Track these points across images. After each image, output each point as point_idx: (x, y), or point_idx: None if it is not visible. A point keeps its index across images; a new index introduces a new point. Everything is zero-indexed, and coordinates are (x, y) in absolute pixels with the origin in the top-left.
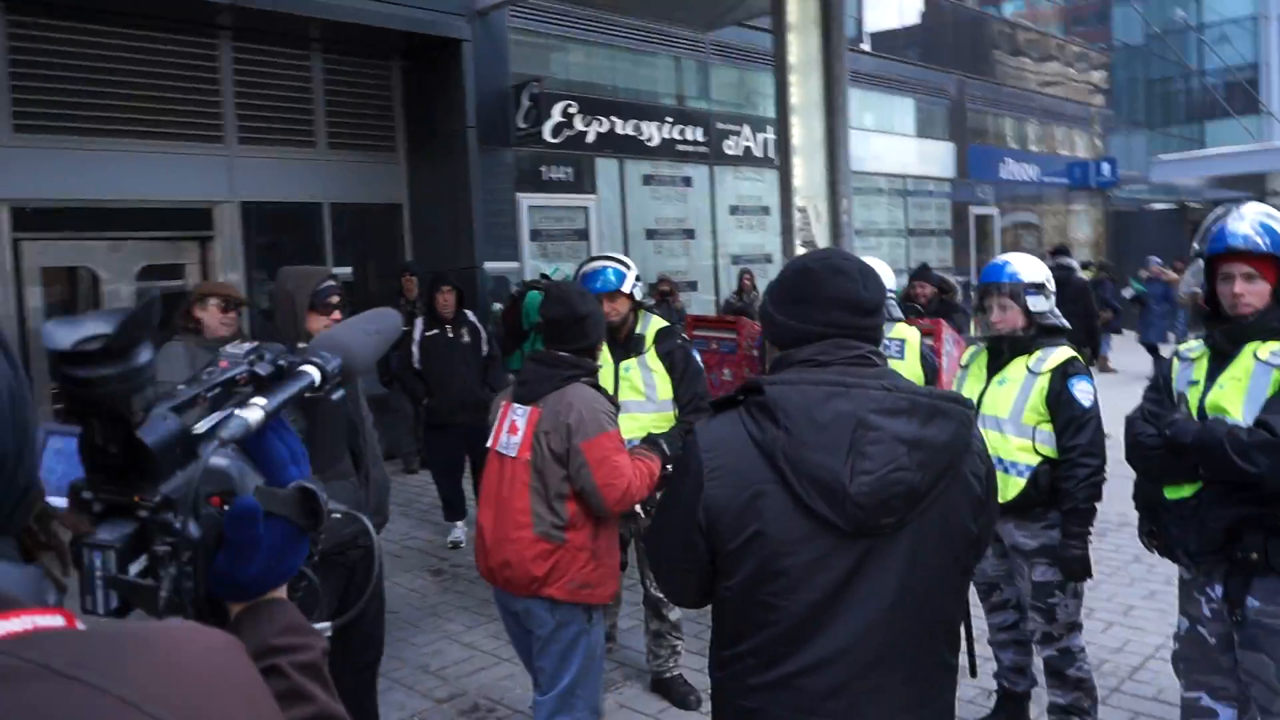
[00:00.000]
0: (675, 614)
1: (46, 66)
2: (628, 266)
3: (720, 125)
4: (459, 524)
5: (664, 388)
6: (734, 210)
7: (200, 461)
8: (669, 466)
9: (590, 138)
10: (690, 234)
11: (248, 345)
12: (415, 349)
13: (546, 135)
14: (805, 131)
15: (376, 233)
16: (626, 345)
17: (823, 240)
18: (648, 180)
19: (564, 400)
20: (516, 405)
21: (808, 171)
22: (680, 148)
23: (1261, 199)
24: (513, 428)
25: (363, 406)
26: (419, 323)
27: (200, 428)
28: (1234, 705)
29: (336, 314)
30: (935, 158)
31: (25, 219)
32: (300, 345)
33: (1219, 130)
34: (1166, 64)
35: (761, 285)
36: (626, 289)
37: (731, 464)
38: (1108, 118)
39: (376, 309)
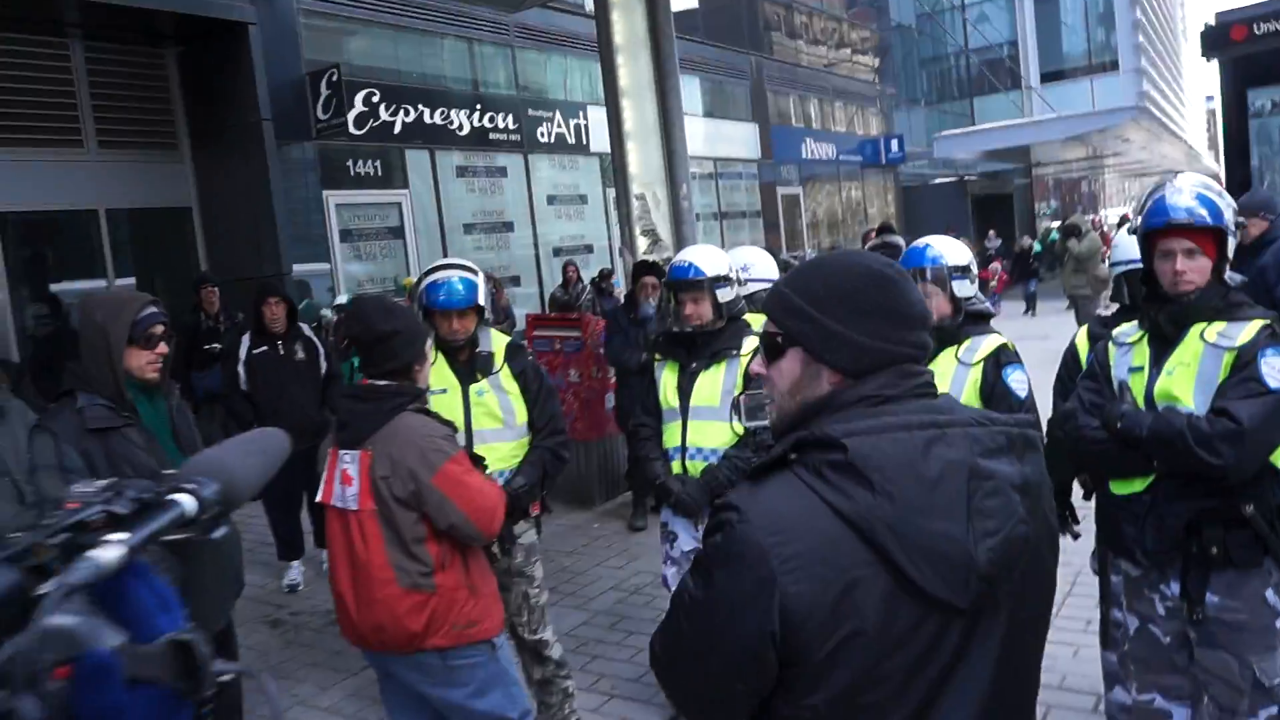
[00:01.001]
0: (557, 651)
1: None
2: (476, 274)
3: (531, 112)
4: (295, 564)
5: (521, 411)
6: (551, 200)
7: (38, 623)
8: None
9: (397, 128)
10: (509, 226)
11: (101, 481)
12: (241, 368)
13: (350, 127)
14: (637, 115)
15: (163, 240)
16: (470, 366)
17: (664, 227)
18: (461, 172)
19: (395, 439)
20: (343, 452)
21: (643, 157)
22: (492, 136)
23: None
24: (345, 477)
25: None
26: (245, 339)
27: (46, 587)
28: (1188, 705)
29: (162, 347)
30: (740, 139)
31: None
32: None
33: (987, 105)
34: (936, 43)
35: (586, 276)
36: (481, 301)
37: (811, 549)
38: (890, 96)
39: (261, 429)
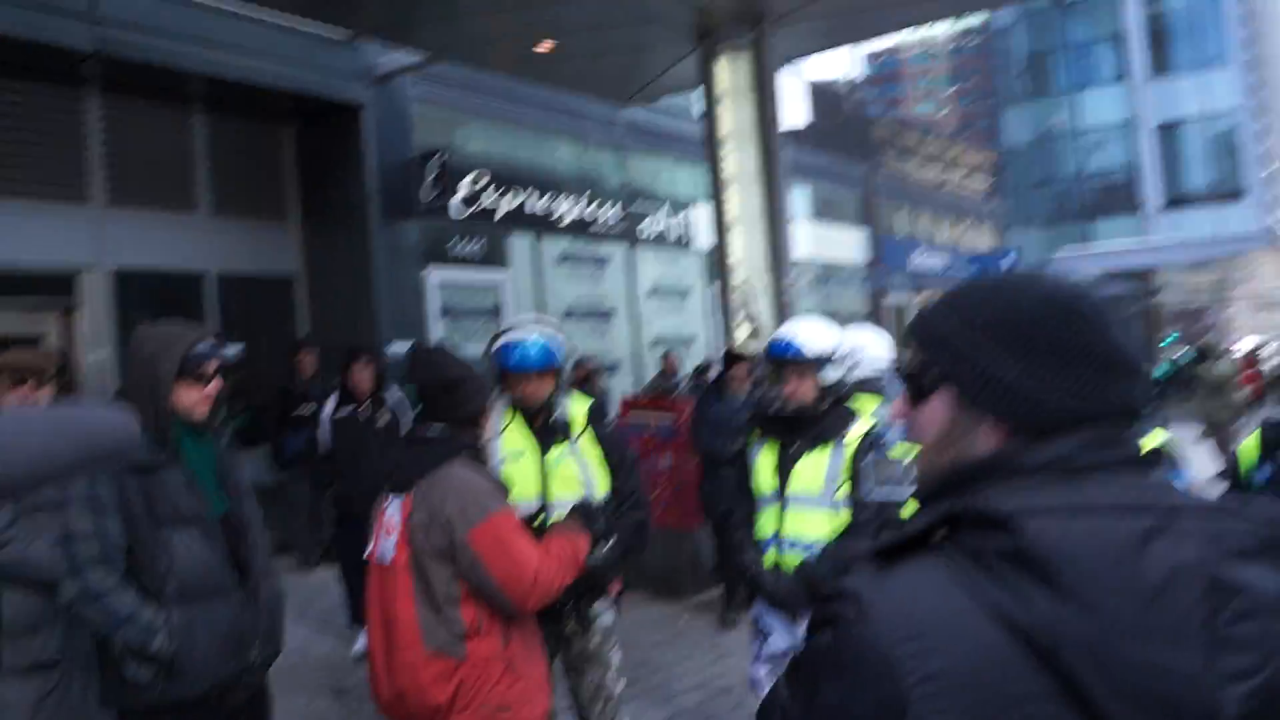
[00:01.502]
0: None
1: None
2: (556, 333)
3: (636, 206)
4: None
5: (602, 480)
6: (653, 292)
7: None
8: (601, 546)
9: (501, 213)
10: (608, 315)
11: None
12: (324, 430)
13: (455, 208)
14: (742, 203)
15: (267, 307)
16: (549, 430)
17: (768, 320)
18: (564, 259)
19: (438, 487)
20: (391, 498)
21: (747, 246)
22: (595, 227)
23: (1149, 292)
24: (387, 526)
25: (247, 504)
26: (330, 401)
27: None
28: None
29: (214, 385)
30: (848, 244)
31: None
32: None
33: (1104, 229)
34: (1051, 165)
35: (685, 368)
36: (560, 363)
37: (961, 668)
38: (1003, 215)
39: (91, 405)
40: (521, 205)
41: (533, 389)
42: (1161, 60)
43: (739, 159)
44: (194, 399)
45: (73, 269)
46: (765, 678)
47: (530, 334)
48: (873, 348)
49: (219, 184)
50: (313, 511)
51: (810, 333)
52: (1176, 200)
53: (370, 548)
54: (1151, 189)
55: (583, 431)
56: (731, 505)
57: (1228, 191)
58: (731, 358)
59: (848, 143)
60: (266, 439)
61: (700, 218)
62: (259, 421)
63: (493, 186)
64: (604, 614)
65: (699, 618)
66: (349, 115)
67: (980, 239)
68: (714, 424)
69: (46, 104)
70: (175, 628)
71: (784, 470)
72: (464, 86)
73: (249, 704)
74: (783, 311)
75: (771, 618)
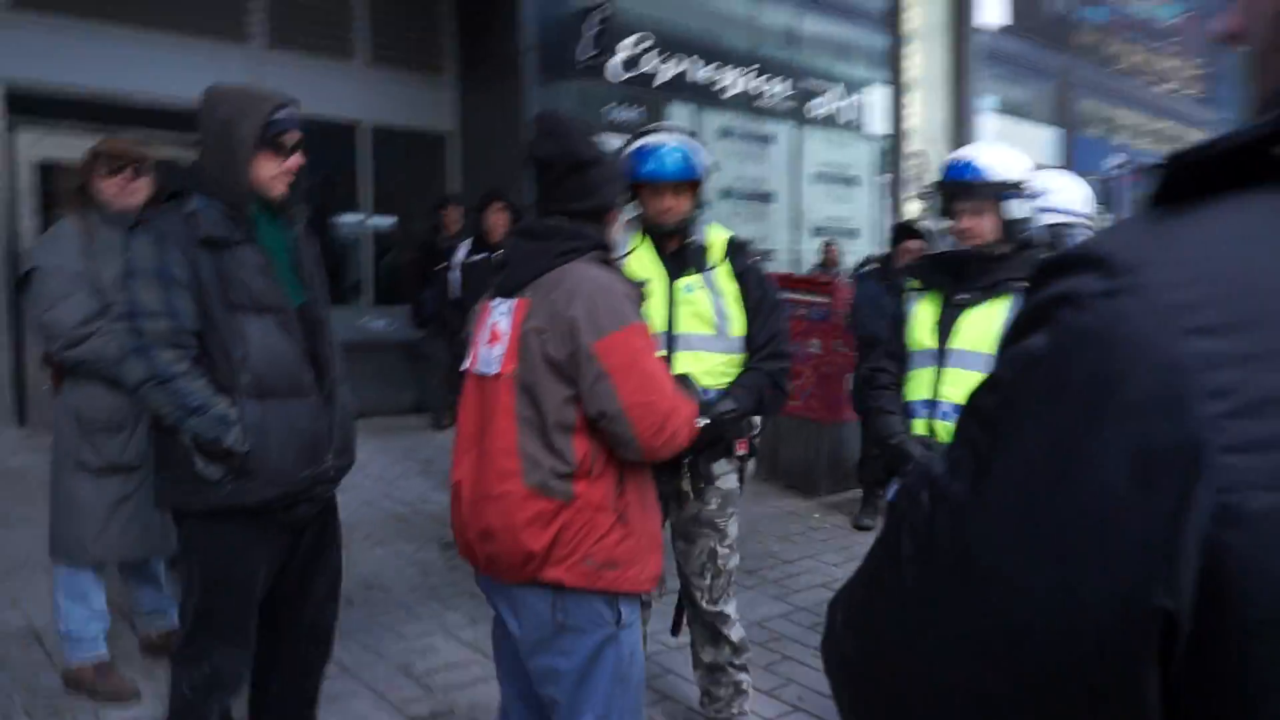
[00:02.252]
0: (738, 632)
1: None
2: (697, 143)
3: (809, 81)
4: None
5: (738, 319)
6: (818, 177)
7: None
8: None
9: (661, 78)
10: (768, 198)
11: None
12: (456, 274)
13: (613, 70)
14: (925, 59)
15: (420, 163)
16: (681, 257)
17: None
18: (725, 133)
19: (562, 285)
20: (498, 301)
21: (926, 108)
22: (762, 102)
23: None
24: (493, 334)
25: (323, 298)
26: (462, 247)
27: None
28: None
29: (295, 159)
30: (1036, 143)
31: (20, 104)
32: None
33: None
34: None
35: (848, 261)
36: (700, 175)
37: None
38: (1220, 126)
39: None
40: (683, 73)
41: (668, 204)
42: None
43: (926, 9)
44: (273, 172)
45: None
46: None
47: (668, 139)
48: (1067, 190)
49: (377, 32)
50: (449, 371)
51: (995, 156)
52: None
53: (469, 359)
54: None
55: (720, 262)
56: (877, 364)
57: None
58: (902, 231)
59: (1045, 33)
60: (407, 295)
61: (875, 102)
62: (400, 276)
63: (655, 50)
64: (726, 475)
65: (831, 517)
66: None
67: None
68: (876, 305)
69: None
70: (248, 424)
71: (946, 325)
72: None
73: (317, 519)
74: None
75: None
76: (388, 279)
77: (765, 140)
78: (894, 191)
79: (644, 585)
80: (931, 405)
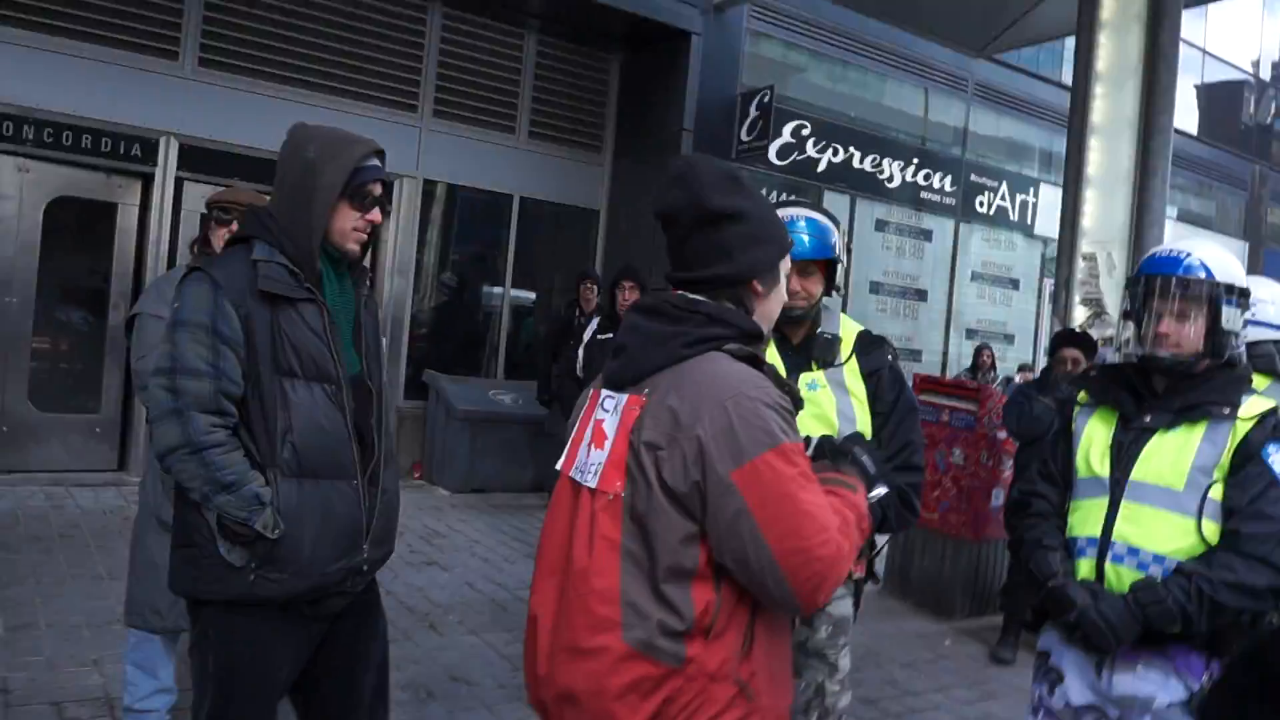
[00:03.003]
0: None
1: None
2: (833, 222)
3: (974, 178)
4: None
5: (864, 421)
6: (976, 276)
7: None
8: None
9: (821, 165)
10: (922, 295)
11: None
12: (580, 352)
13: (772, 155)
14: (1107, 156)
15: (567, 236)
16: (807, 349)
17: (1111, 299)
18: (881, 226)
19: (687, 388)
20: (606, 394)
21: (1104, 209)
22: (924, 195)
23: None
24: (598, 434)
25: (375, 372)
26: (592, 324)
27: None
28: None
29: (376, 214)
30: None
31: (193, 158)
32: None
33: None
34: None
35: (1003, 369)
36: (836, 253)
37: None
38: None
39: None
40: (847, 161)
41: (796, 286)
42: None
43: (1113, 101)
44: (351, 223)
45: (389, 174)
46: None
47: (800, 213)
48: (1272, 305)
49: (540, 109)
50: None
51: (1214, 254)
52: None
53: (565, 456)
54: None
55: (849, 358)
56: (1032, 487)
57: None
58: (1064, 338)
59: (1238, 131)
60: (537, 370)
61: (1048, 203)
62: (533, 349)
63: (815, 137)
64: (839, 600)
65: (966, 645)
66: (679, 43)
67: None
68: (1032, 415)
69: (392, 11)
70: (284, 506)
71: (1124, 451)
72: (803, 22)
73: (356, 607)
74: None
75: (1070, 655)
76: (521, 352)
77: (924, 234)
78: (1058, 297)
79: None
80: (1102, 545)
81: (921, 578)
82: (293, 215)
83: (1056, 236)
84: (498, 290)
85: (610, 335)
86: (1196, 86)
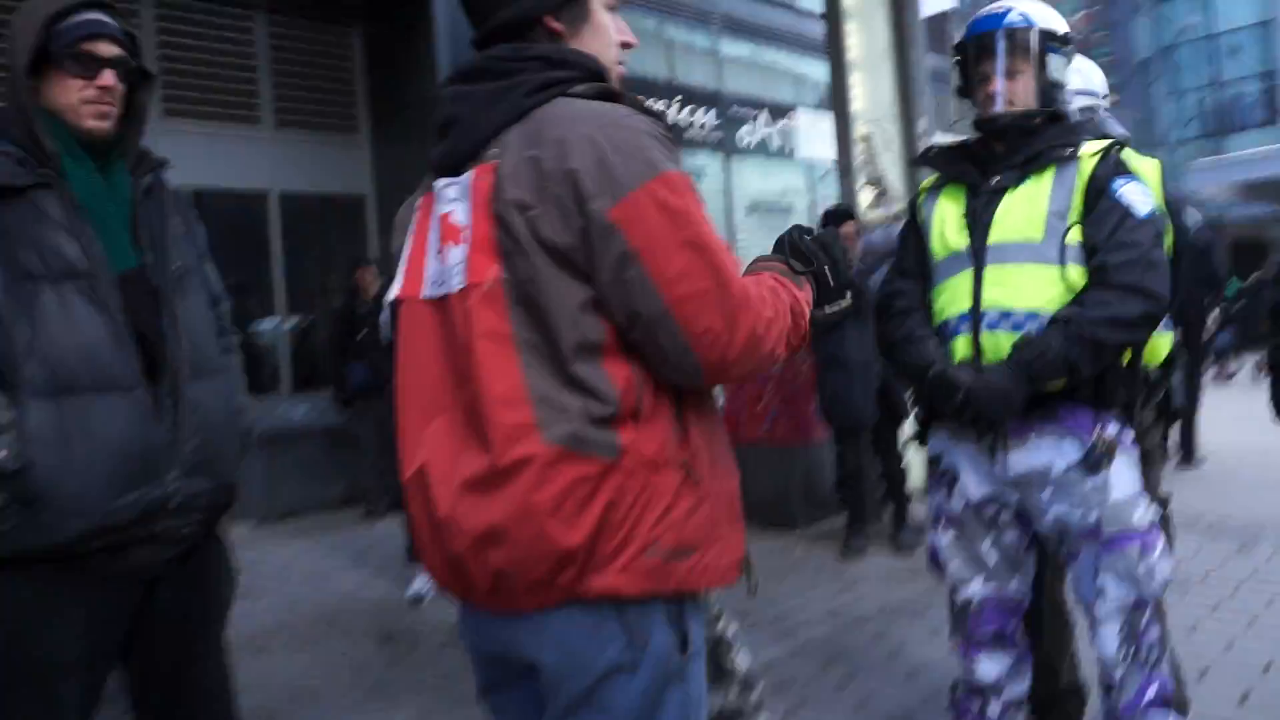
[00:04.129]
0: (745, 661)
1: None
2: None
3: (735, 109)
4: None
5: None
6: (753, 209)
7: None
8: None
9: None
10: None
11: None
12: (386, 313)
13: None
14: (865, 37)
15: (335, 228)
16: None
17: (894, 173)
18: None
19: (545, 131)
20: (444, 183)
21: (870, 88)
22: (688, 134)
23: None
24: (447, 231)
25: (177, 261)
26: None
27: None
28: None
29: (108, 78)
30: None
31: None
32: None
33: (1239, 140)
34: (1180, 75)
35: None
36: None
37: None
38: (1130, 127)
39: None
40: None
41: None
42: None
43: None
44: (78, 96)
45: None
46: (951, 545)
47: None
48: (1088, 72)
49: (284, 95)
50: (380, 453)
51: (1030, 4)
52: None
53: (399, 284)
54: None
55: None
56: (891, 287)
57: None
58: (836, 215)
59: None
60: (327, 375)
61: (806, 125)
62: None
63: None
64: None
65: (816, 549)
66: (418, 6)
67: None
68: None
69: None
70: (34, 432)
71: (979, 218)
72: None
73: (183, 567)
74: (917, 168)
75: (960, 450)
76: (307, 363)
77: (695, 174)
78: (843, 183)
79: (728, 576)
80: (974, 317)
81: (758, 495)
82: (11, 97)
83: (822, 160)
84: (270, 299)
85: None
86: None
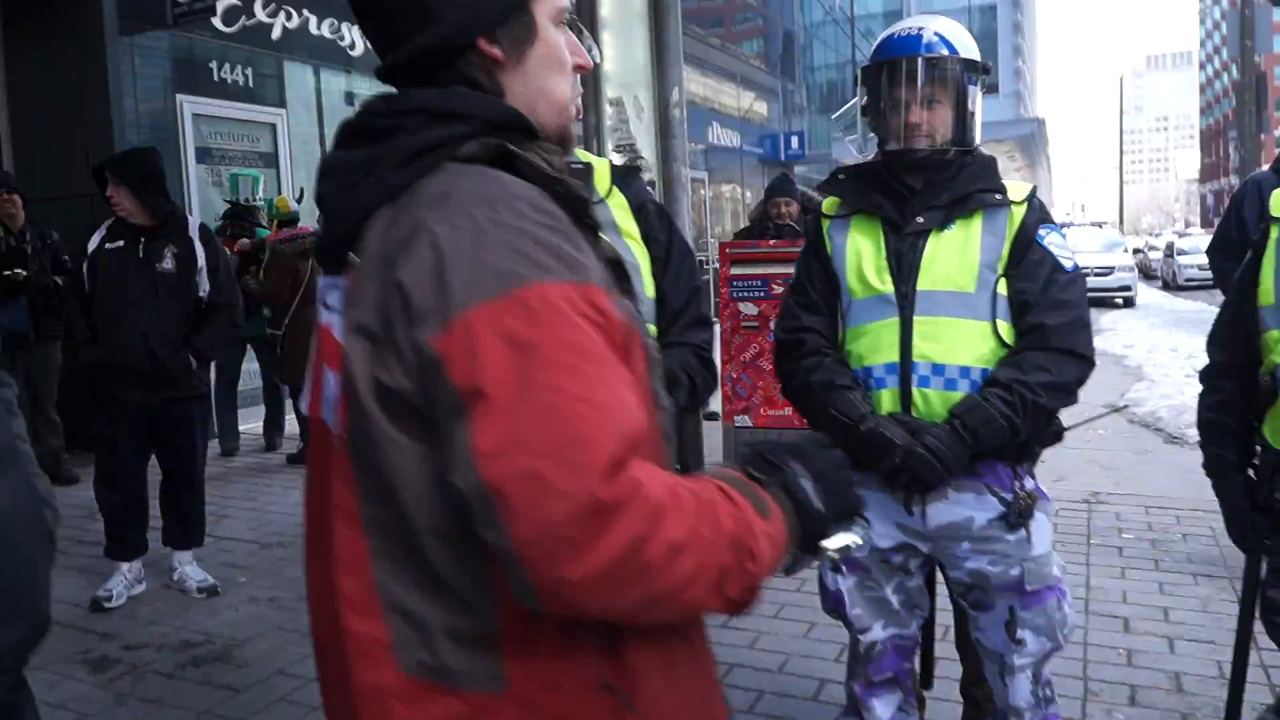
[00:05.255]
0: None
1: None
2: None
3: None
4: (125, 566)
5: (648, 269)
6: None
7: None
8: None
9: (276, 32)
10: None
11: None
12: (85, 266)
13: (218, 22)
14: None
15: None
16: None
17: (646, 143)
18: (350, 99)
19: (400, 222)
20: (326, 285)
21: (623, 52)
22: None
23: None
24: (327, 350)
25: None
26: (101, 230)
27: None
28: None
29: None
30: None
31: None
32: None
33: None
34: (827, 51)
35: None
36: None
37: None
38: (790, 93)
39: None
40: (305, 26)
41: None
42: None
43: None
44: None
45: None
46: (853, 591)
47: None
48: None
49: None
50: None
51: (947, 26)
52: None
53: (309, 388)
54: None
55: (610, 193)
56: (795, 327)
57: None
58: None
59: None
60: None
61: None
62: None
63: (262, 1)
64: None
65: None
66: None
67: (765, 116)
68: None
69: None
70: None
71: (902, 260)
72: None
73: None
74: (668, 132)
75: (872, 498)
76: None
77: None
78: (590, 146)
79: None
80: (902, 370)
81: None
82: None
83: None
84: None
85: (120, 244)
86: None
